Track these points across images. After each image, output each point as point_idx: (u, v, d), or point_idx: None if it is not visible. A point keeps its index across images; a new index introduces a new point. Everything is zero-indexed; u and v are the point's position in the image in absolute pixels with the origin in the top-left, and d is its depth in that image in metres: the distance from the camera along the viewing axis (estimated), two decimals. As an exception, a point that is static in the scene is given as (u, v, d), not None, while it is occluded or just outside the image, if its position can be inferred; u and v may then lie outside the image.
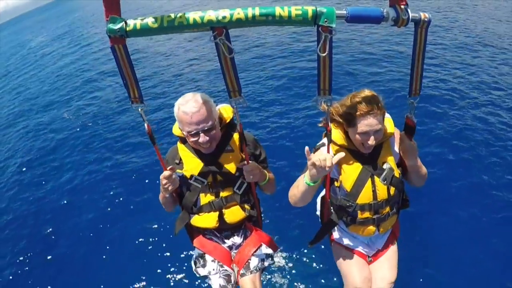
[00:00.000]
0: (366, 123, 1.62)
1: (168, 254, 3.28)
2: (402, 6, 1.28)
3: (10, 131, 7.16)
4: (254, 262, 2.01)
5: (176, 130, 1.87)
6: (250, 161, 1.79)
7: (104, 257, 3.46)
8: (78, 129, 6.39)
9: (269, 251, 2.08)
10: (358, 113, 1.62)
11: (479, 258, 2.80)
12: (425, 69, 1.51)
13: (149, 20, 1.26)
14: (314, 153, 1.88)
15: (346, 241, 2.05)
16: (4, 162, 5.90)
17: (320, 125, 1.67)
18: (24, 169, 5.48)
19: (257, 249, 2.04)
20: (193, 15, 1.25)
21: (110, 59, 10.12)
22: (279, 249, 2.17)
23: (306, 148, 1.53)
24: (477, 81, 5.46)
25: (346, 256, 2.04)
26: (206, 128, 1.68)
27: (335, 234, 2.09)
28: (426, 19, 1.32)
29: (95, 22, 20.70)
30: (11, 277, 3.48)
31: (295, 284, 2.84)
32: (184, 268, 3.08)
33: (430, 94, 5.17)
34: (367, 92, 1.66)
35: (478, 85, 5.33)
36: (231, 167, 1.85)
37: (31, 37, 22.48)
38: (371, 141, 1.67)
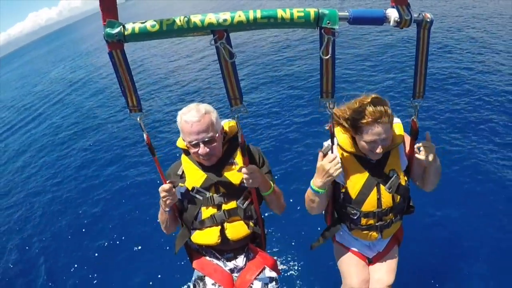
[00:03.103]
0: (373, 132, 1.58)
1: (167, 275, 3.13)
2: (404, 7, 1.27)
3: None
4: (256, 286, 1.89)
5: (180, 142, 1.83)
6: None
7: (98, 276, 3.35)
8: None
9: (273, 274, 1.97)
10: (364, 121, 1.57)
11: (484, 266, 2.74)
12: (429, 71, 1.48)
13: (148, 24, 1.23)
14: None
15: (347, 242, 2.05)
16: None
17: (327, 128, 1.62)
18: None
19: (260, 272, 1.93)
20: (193, 18, 1.22)
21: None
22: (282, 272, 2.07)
23: (320, 153, 1.58)
24: (485, 81, 5.36)
25: (347, 257, 2.05)
26: (206, 139, 1.64)
27: (338, 235, 2.09)
28: (428, 20, 1.31)
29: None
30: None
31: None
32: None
33: (436, 95, 5.13)
34: (374, 98, 1.62)
35: (486, 85, 5.23)
36: (234, 179, 1.78)
37: (46, 67, 22.27)
38: (379, 150, 1.63)
